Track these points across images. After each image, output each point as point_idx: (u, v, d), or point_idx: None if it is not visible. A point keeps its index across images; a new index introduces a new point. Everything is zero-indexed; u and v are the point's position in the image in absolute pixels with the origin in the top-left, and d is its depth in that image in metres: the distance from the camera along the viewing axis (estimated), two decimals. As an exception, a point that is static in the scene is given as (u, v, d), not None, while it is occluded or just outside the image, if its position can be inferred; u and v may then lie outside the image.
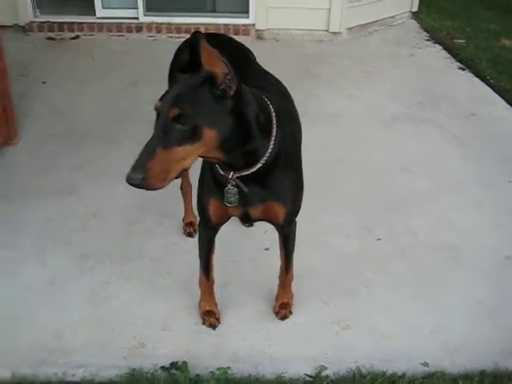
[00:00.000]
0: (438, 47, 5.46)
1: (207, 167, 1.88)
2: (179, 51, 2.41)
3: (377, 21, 5.82)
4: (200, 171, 2.01)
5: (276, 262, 2.29)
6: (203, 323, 2.23)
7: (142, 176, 1.52)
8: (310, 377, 2.01)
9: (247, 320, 2.27)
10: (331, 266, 2.58)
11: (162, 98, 1.58)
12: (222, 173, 1.80)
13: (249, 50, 2.38)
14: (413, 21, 6.13)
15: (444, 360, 2.10)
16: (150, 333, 2.19)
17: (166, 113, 1.54)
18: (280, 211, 1.93)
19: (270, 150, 1.75)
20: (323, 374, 2.03)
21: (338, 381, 1.99)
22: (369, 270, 2.57)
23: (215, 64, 1.54)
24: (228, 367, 2.01)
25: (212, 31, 5.33)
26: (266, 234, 2.65)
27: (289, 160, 1.88)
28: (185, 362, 2.01)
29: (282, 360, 2.09)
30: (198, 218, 2.10)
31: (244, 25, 5.43)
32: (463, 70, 4.93)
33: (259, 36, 5.50)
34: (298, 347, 2.16)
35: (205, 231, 2.09)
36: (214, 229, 2.06)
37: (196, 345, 2.15)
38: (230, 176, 1.78)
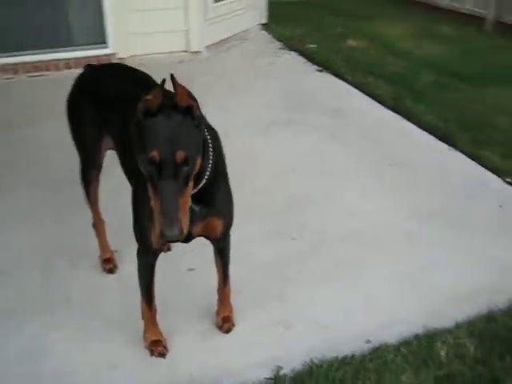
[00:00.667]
0: (294, 54, 5.81)
1: (145, 195, 1.84)
2: (77, 87, 2.38)
3: (232, 36, 6.06)
4: (133, 201, 2.00)
5: (204, 279, 2.33)
6: (151, 354, 2.20)
7: (180, 229, 1.55)
8: (271, 379, 2.08)
9: (193, 340, 2.28)
10: (256, 273, 2.67)
11: (157, 148, 1.55)
12: None
13: (149, 75, 2.42)
14: (265, 32, 6.46)
15: (382, 334, 2.28)
16: (98, 377, 2.12)
17: (173, 158, 1.55)
18: (219, 225, 1.99)
19: (209, 168, 1.81)
20: (281, 373, 2.10)
21: (298, 376, 2.08)
22: (291, 269, 2.70)
23: (187, 99, 1.59)
24: (191, 390, 2.02)
25: (70, 65, 5.25)
26: (185, 256, 2.68)
27: (221, 175, 1.96)
28: (146, 396, 1.98)
29: (238, 371, 2.13)
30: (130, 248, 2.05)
31: (105, 55, 5.36)
32: (321, 71, 5.30)
33: (121, 64, 5.45)
34: (248, 355, 2.21)
35: (146, 259, 2.07)
36: (155, 255, 2.05)
37: (150, 377, 2.12)
38: None
